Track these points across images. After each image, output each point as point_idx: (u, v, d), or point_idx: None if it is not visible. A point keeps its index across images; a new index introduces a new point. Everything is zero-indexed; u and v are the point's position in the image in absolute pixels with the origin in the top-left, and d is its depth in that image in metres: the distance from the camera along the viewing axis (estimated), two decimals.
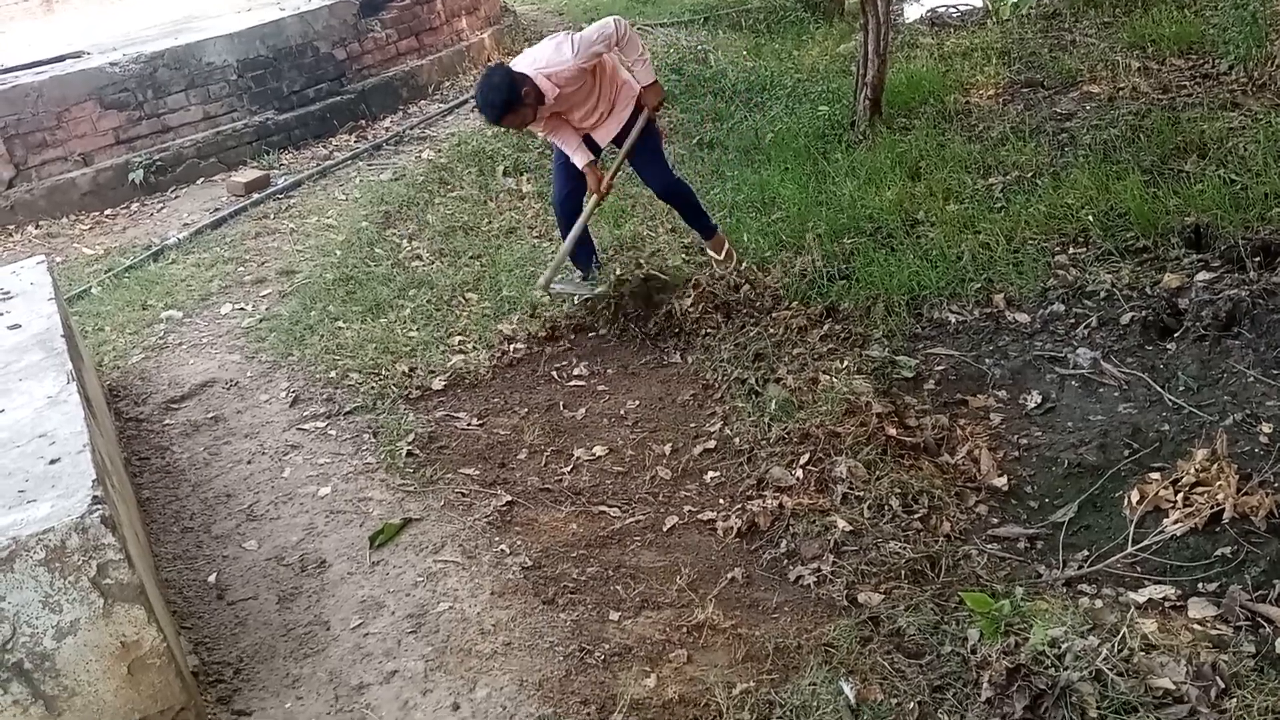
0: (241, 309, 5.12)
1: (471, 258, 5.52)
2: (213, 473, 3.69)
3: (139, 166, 6.67)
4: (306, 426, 3.98)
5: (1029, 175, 5.53)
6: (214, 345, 4.78)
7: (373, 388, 4.19)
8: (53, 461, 2.33)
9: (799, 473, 3.32)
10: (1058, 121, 6.36)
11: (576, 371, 4.36)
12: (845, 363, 3.85)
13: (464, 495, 3.40)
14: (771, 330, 4.30)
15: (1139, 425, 3.53)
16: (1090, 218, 4.73)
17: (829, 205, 5.51)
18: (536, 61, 4.22)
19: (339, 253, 5.56)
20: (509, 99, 4.07)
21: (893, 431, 3.42)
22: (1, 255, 6.00)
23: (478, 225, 5.95)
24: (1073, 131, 6.07)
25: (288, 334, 4.75)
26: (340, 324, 4.82)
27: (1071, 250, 4.66)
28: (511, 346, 4.53)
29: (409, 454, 3.65)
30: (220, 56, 6.97)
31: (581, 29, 4.34)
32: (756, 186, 5.93)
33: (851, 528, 3.01)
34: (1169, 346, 3.89)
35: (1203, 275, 4.18)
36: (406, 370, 4.30)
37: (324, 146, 7.25)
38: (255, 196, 6.40)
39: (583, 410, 4.05)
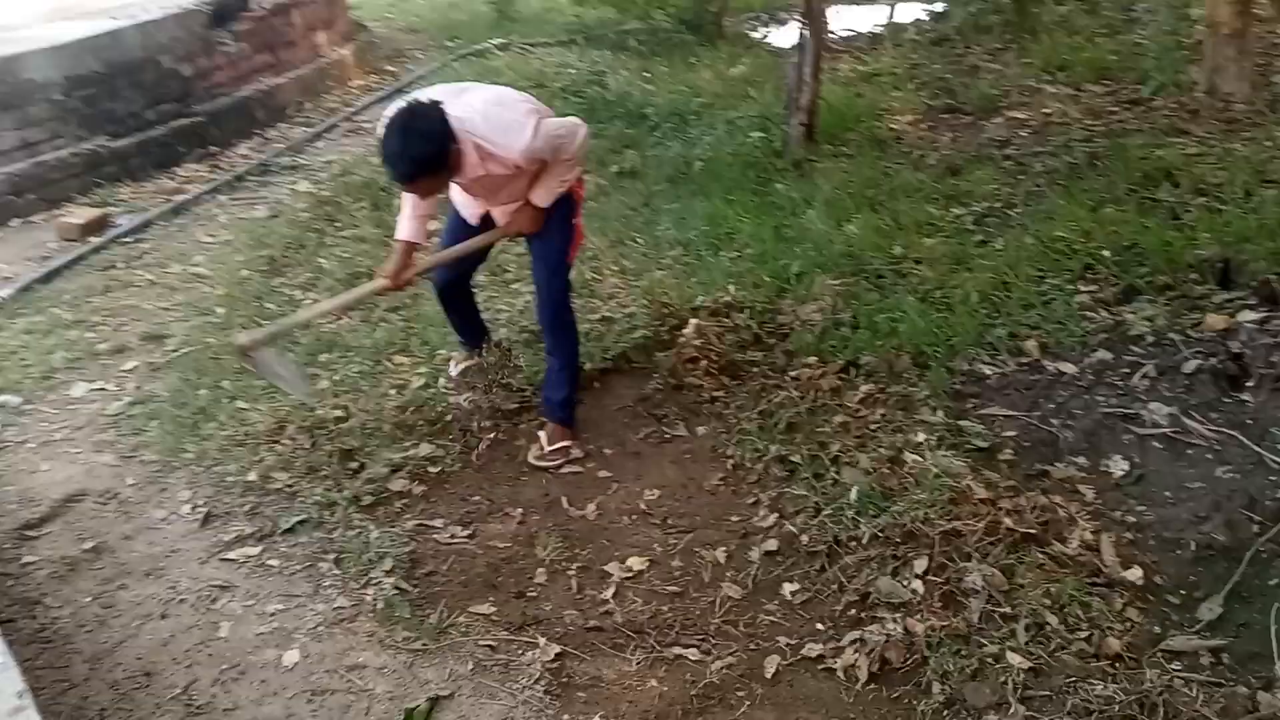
0: (101, 389, 4.00)
1: (387, 310, 4.60)
2: (114, 636, 2.66)
3: None
4: (233, 555, 2.99)
5: (998, 206, 5.15)
6: (73, 441, 3.66)
7: (313, 492, 3.24)
8: None
9: (916, 585, 2.65)
10: (996, 148, 6.06)
11: None
12: (920, 435, 3.22)
13: (492, 649, 2.54)
14: (797, 393, 3.63)
15: (1250, 494, 3.07)
16: (1106, 252, 4.33)
17: (793, 241, 4.93)
18: (473, 125, 2.98)
19: (220, 310, 4.50)
20: (436, 156, 2.90)
21: (1009, 522, 2.80)
22: None
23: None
24: (1018, 159, 5.76)
25: (174, 422, 3.70)
26: (241, 404, 3.81)
27: (1082, 287, 4.25)
28: (475, 424, 3.67)
29: (396, 590, 2.75)
30: (42, 72, 5.68)
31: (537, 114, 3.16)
32: (704, 219, 5.28)
33: (1029, 663, 2.36)
34: (1246, 399, 3.48)
35: (1247, 315, 3.82)
36: (351, 466, 3.37)
37: (170, 178, 6.06)
38: (94, 241, 5.18)
39: (592, 506, 3.24)
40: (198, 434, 3.63)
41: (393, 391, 3.90)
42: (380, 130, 2.98)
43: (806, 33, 6.16)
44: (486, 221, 3.52)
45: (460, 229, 3.55)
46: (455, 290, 3.77)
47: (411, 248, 3.32)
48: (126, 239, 5.24)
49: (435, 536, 3.08)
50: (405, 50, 9.47)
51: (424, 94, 3.07)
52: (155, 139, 6.20)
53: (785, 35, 10.77)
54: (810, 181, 5.74)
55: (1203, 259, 4.15)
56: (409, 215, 3.31)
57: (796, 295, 4.28)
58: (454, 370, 3.98)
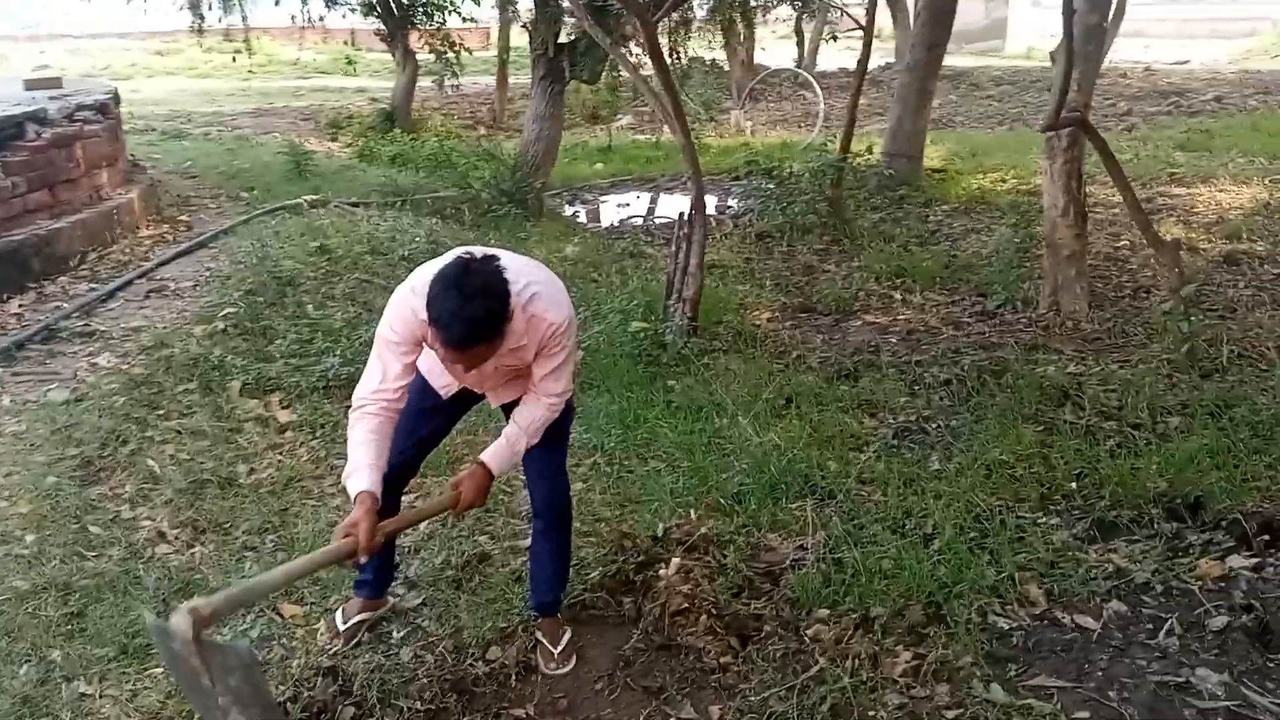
0: None
1: (252, 533, 3.60)
2: None
3: None
4: None
5: (913, 419, 4.95)
6: None
7: None
8: None
9: None
10: (871, 353, 5.98)
11: None
12: None
13: None
14: (825, 661, 3.04)
15: None
16: (1073, 484, 4.16)
17: (721, 451, 4.47)
18: (521, 288, 2.57)
19: (28, 537, 3.30)
20: (500, 313, 2.43)
21: None
22: None
23: (233, 477, 4.00)
24: (903, 367, 5.69)
25: None
26: (82, 686, 2.70)
27: (1047, 519, 4.03)
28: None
29: None
30: None
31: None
32: (615, 420, 4.71)
33: None
34: None
35: (1236, 560, 3.70)
36: None
37: None
38: None
39: None
40: None
41: (298, 663, 2.91)
42: (422, 290, 2.47)
43: (691, 223, 5.91)
44: (463, 395, 2.98)
45: (427, 402, 2.94)
46: (405, 475, 3.06)
47: (376, 502, 2.56)
48: None
49: None
50: (191, 198, 8.35)
51: (453, 254, 2.55)
52: None
53: (593, 213, 10.69)
54: (704, 380, 5.35)
55: (1165, 495, 4.05)
56: (368, 464, 2.60)
57: (763, 522, 3.76)
58: (341, 624, 3.09)
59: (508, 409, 2.95)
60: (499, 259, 2.52)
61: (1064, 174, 6.41)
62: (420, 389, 2.91)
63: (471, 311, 2.36)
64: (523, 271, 2.63)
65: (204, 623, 2.04)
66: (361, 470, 2.58)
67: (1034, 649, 3.29)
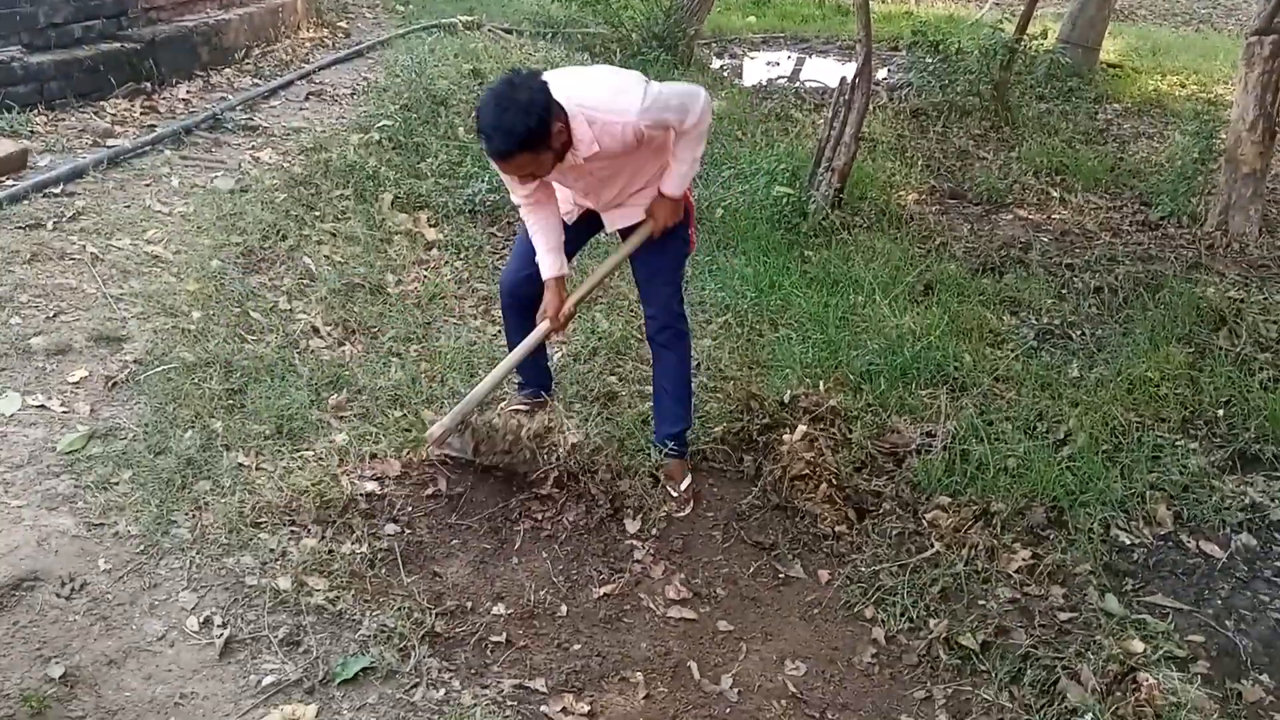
0: (42, 408, 2.95)
1: (399, 340, 3.74)
2: None
3: None
4: (276, 717, 2.12)
5: (1057, 324, 4.79)
6: (11, 487, 2.63)
7: (369, 616, 2.40)
8: None
9: None
10: (1020, 250, 5.75)
11: (671, 591, 2.83)
12: (1137, 642, 2.71)
13: None
14: (939, 546, 3.06)
15: None
16: (1220, 412, 4.01)
17: (855, 328, 4.41)
18: (581, 97, 2.66)
19: (195, 314, 3.49)
20: (537, 129, 2.53)
21: None
22: None
23: (382, 284, 4.13)
24: (1052, 269, 5.45)
25: (154, 475, 2.74)
26: (241, 458, 2.89)
27: (1186, 442, 3.90)
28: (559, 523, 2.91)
29: None
30: None
31: (647, 80, 2.77)
32: (749, 284, 4.67)
33: None
34: None
35: None
36: (407, 580, 2.54)
37: (98, 115, 4.87)
38: (12, 186, 4.01)
39: (729, 679, 2.56)
40: (189, 497, 2.69)
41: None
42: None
43: (854, 89, 5.67)
44: (585, 221, 3.13)
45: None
46: (527, 292, 3.08)
47: (562, 281, 2.97)
48: (54, 189, 4.08)
49: (545, 709, 2.31)
50: (350, 5, 8.38)
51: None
52: (80, 61, 4.99)
53: (747, 70, 10.36)
54: (843, 254, 5.24)
55: None
56: (547, 249, 2.95)
57: (891, 404, 3.73)
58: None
59: (624, 234, 3.09)
60: (542, 76, 2.61)
61: (1260, 85, 5.91)
62: None
63: (508, 124, 2.50)
64: (580, 85, 2.69)
65: (442, 438, 2.95)
66: (542, 258, 2.93)
67: (1154, 568, 3.27)
